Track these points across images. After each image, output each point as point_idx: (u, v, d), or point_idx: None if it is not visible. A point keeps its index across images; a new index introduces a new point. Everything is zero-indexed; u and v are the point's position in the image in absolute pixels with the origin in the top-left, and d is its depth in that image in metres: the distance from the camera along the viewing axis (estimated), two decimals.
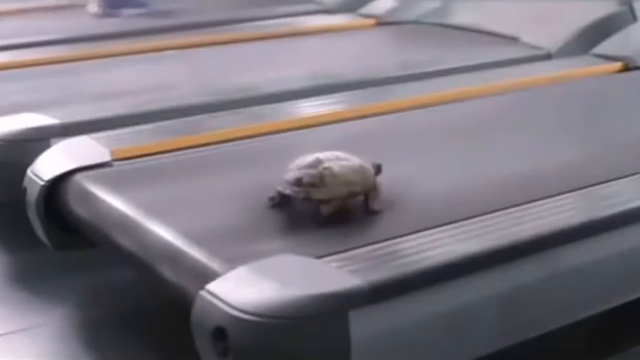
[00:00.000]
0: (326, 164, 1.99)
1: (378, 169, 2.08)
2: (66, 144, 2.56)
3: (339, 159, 2.01)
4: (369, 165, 2.05)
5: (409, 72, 3.35)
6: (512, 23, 3.92)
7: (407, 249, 1.83)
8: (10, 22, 4.68)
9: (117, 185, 2.25)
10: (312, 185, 1.97)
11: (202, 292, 1.72)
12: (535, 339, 1.91)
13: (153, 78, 3.34)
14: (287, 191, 2.00)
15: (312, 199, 1.98)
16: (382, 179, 2.08)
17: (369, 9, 4.62)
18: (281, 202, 2.05)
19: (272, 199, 2.06)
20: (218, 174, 2.33)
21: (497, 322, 1.84)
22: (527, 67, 3.46)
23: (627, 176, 2.22)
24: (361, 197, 2.03)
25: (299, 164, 2.02)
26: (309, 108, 2.92)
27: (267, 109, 2.90)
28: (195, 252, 1.86)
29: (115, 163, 2.42)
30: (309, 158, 2.02)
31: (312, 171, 1.98)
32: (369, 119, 2.79)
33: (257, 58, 3.70)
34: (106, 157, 2.44)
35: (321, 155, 2.03)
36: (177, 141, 2.57)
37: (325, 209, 1.98)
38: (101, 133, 2.61)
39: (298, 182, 1.98)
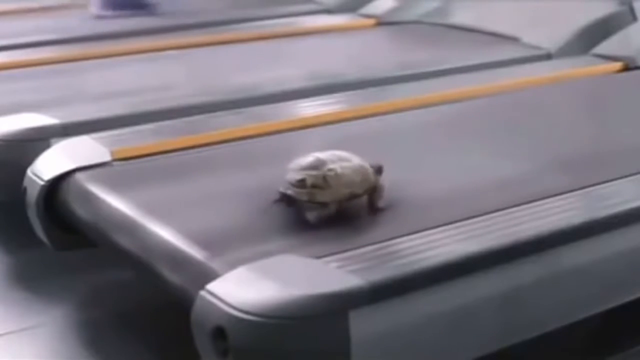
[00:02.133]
0: (330, 166, 1.98)
1: (379, 170, 2.08)
2: (66, 144, 2.56)
3: (340, 160, 2.01)
4: (368, 166, 2.05)
5: (409, 72, 3.35)
6: (512, 23, 3.92)
7: (407, 249, 1.83)
8: (10, 22, 4.68)
9: (117, 185, 2.25)
10: (316, 187, 1.96)
11: (202, 292, 1.72)
12: (535, 339, 1.91)
13: (153, 78, 3.34)
14: (290, 192, 1.99)
15: (315, 201, 1.97)
16: (381, 179, 2.08)
17: (369, 9, 4.62)
18: (283, 202, 2.04)
19: (275, 200, 2.05)
20: (218, 174, 2.34)
21: (497, 322, 1.84)
22: (527, 67, 3.46)
23: (627, 176, 2.22)
24: (363, 198, 2.03)
25: (300, 165, 2.00)
26: (309, 108, 2.92)
27: (267, 109, 2.90)
28: (195, 252, 1.86)
29: (115, 163, 2.42)
30: (310, 158, 2.01)
31: (315, 173, 1.97)
32: (369, 119, 2.79)
33: (257, 58, 3.70)
34: (106, 157, 2.44)
35: (322, 155, 2.01)
36: (177, 141, 2.57)
37: (325, 212, 1.98)
38: (101, 133, 2.60)
39: (301, 183, 1.96)
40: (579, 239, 1.93)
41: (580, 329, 2.10)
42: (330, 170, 1.97)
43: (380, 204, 2.03)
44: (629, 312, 2.11)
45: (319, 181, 1.96)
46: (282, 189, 2.01)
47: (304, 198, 1.97)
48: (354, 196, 2.00)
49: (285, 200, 2.02)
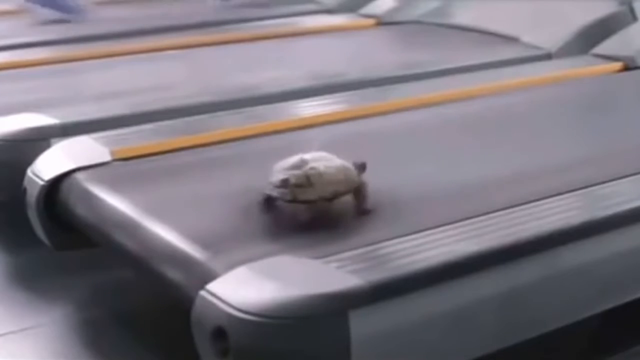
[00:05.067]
0: (311, 164, 1.99)
1: (362, 168, 2.07)
2: (66, 144, 2.56)
3: (323, 159, 2.01)
4: (350, 165, 2.05)
5: (409, 72, 3.35)
6: (512, 23, 3.92)
7: (407, 249, 1.83)
8: (11, 21, 4.68)
9: (118, 185, 2.25)
10: (299, 186, 1.96)
11: (202, 292, 1.72)
12: (535, 339, 1.91)
13: (153, 78, 3.34)
14: (274, 193, 1.99)
15: (298, 200, 1.98)
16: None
17: (369, 9, 4.62)
18: (268, 205, 2.04)
19: (260, 204, 2.05)
20: (218, 174, 2.33)
21: (497, 322, 1.84)
22: (527, 67, 3.46)
23: (627, 176, 2.22)
24: (349, 198, 2.03)
25: (283, 166, 2.01)
26: (309, 108, 2.92)
27: (267, 109, 2.90)
28: (195, 252, 1.86)
29: (115, 163, 2.42)
30: (293, 159, 2.02)
31: (297, 172, 1.97)
32: (369, 119, 2.79)
33: (257, 58, 3.70)
34: (106, 157, 2.44)
35: (305, 155, 2.02)
36: (177, 141, 2.57)
37: (308, 211, 1.98)
38: (101, 133, 2.60)
39: (284, 183, 1.97)
40: (579, 239, 1.93)
41: (580, 329, 2.10)
42: (312, 168, 1.97)
43: (366, 204, 2.03)
44: (629, 312, 2.11)
45: (301, 180, 1.96)
46: (266, 191, 2.02)
47: (288, 198, 1.97)
48: (338, 194, 2.00)
49: (270, 202, 2.03)
